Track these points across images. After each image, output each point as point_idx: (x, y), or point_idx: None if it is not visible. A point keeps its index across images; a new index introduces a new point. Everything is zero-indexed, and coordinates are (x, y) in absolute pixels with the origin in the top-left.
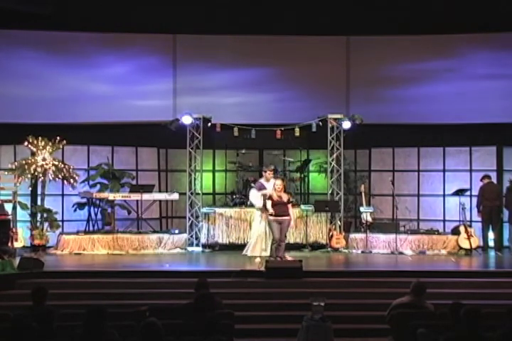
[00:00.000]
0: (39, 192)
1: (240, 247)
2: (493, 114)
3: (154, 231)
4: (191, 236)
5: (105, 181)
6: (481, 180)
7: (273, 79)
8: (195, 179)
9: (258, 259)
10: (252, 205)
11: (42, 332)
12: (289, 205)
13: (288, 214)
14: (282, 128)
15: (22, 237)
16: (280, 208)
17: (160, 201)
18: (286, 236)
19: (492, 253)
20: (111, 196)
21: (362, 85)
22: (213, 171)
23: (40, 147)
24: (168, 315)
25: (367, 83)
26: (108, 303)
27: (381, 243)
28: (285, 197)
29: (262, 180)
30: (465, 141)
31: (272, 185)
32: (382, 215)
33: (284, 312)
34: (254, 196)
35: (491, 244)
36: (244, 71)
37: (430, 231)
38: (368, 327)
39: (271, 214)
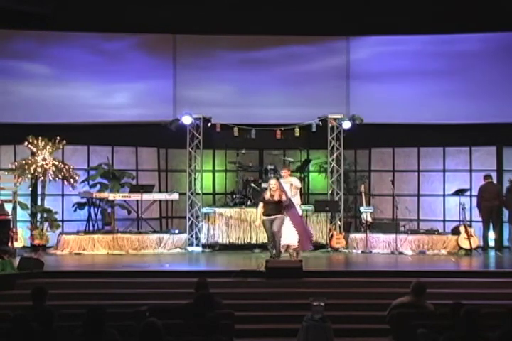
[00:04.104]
0: (39, 192)
1: (240, 247)
2: (493, 114)
3: (154, 231)
4: (191, 236)
5: (105, 181)
6: (483, 180)
7: (273, 79)
8: (195, 179)
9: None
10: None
11: (42, 332)
12: (284, 204)
13: (280, 213)
14: (282, 128)
15: (22, 237)
16: (271, 207)
17: (160, 201)
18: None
19: (492, 253)
20: (111, 196)
21: (362, 85)
22: (213, 171)
23: (40, 147)
24: (168, 315)
25: (367, 83)
26: (108, 303)
27: (381, 243)
28: (277, 197)
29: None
30: (465, 141)
31: (287, 183)
32: (382, 215)
33: (284, 312)
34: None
35: (491, 244)
36: (245, 71)
37: (430, 231)
38: (368, 327)
39: (263, 214)
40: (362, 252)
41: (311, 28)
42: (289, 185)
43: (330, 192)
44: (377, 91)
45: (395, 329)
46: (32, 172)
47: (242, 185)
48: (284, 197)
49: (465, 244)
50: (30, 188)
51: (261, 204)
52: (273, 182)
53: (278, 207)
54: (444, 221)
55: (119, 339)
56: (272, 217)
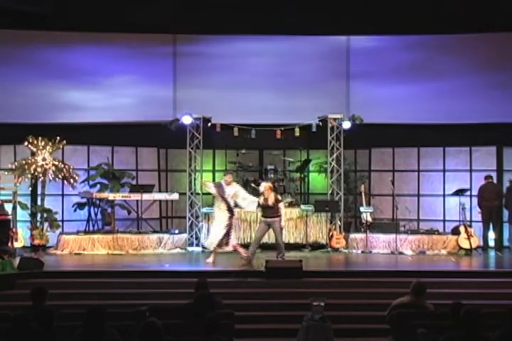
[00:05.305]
0: (39, 192)
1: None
2: (493, 114)
3: (154, 231)
4: (191, 236)
5: (105, 181)
6: (484, 180)
7: (273, 79)
8: (195, 179)
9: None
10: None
11: (42, 332)
12: (280, 205)
13: (276, 216)
14: (282, 128)
15: (22, 237)
16: (268, 210)
17: (160, 201)
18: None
19: (492, 253)
20: (111, 196)
21: (362, 85)
22: (213, 171)
23: (40, 147)
24: (168, 315)
25: (367, 83)
26: (108, 303)
27: (381, 243)
28: (271, 200)
29: (223, 182)
30: (465, 141)
31: (231, 189)
32: (382, 215)
33: (284, 312)
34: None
35: (491, 244)
36: (245, 71)
37: (430, 231)
38: (368, 327)
39: (262, 216)
40: (362, 252)
41: (312, 28)
42: (233, 193)
43: (330, 192)
44: (377, 91)
45: (395, 329)
46: (32, 172)
47: (242, 185)
48: (275, 201)
49: (465, 244)
50: (30, 188)
51: (259, 209)
52: (263, 185)
53: (273, 210)
54: (444, 221)
55: (119, 339)
56: (269, 219)
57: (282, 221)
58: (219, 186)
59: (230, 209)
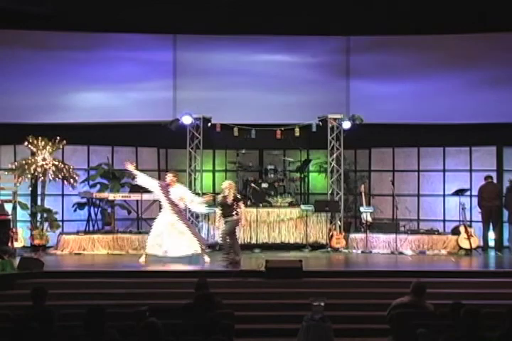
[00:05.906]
0: (39, 192)
1: (240, 247)
2: (494, 113)
3: None
4: None
5: (105, 181)
6: (484, 180)
7: (273, 78)
8: (195, 179)
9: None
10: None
11: (42, 332)
12: (240, 204)
13: (231, 215)
14: (282, 128)
15: (22, 237)
16: (225, 209)
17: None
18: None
19: (492, 253)
20: (111, 196)
21: (362, 85)
22: (213, 171)
23: (40, 147)
24: (168, 315)
25: (367, 83)
26: (108, 303)
27: (381, 243)
28: (230, 199)
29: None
30: (465, 141)
31: (178, 191)
32: (382, 215)
33: (284, 312)
34: (147, 181)
35: (491, 244)
36: (245, 71)
37: (430, 231)
38: (368, 327)
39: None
40: (362, 252)
41: (312, 28)
42: (180, 195)
43: (330, 192)
44: (377, 91)
45: (395, 329)
46: (32, 172)
47: (242, 185)
48: (234, 200)
49: (465, 244)
50: (30, 188)
51: (219, 207)
52: (226, 182)
53: (231, 209)
54: (444, 221)
55: (119, 339)
56: (225, 219)
57: (242, 220)
58: (164, 187)
59: (179, 211)
